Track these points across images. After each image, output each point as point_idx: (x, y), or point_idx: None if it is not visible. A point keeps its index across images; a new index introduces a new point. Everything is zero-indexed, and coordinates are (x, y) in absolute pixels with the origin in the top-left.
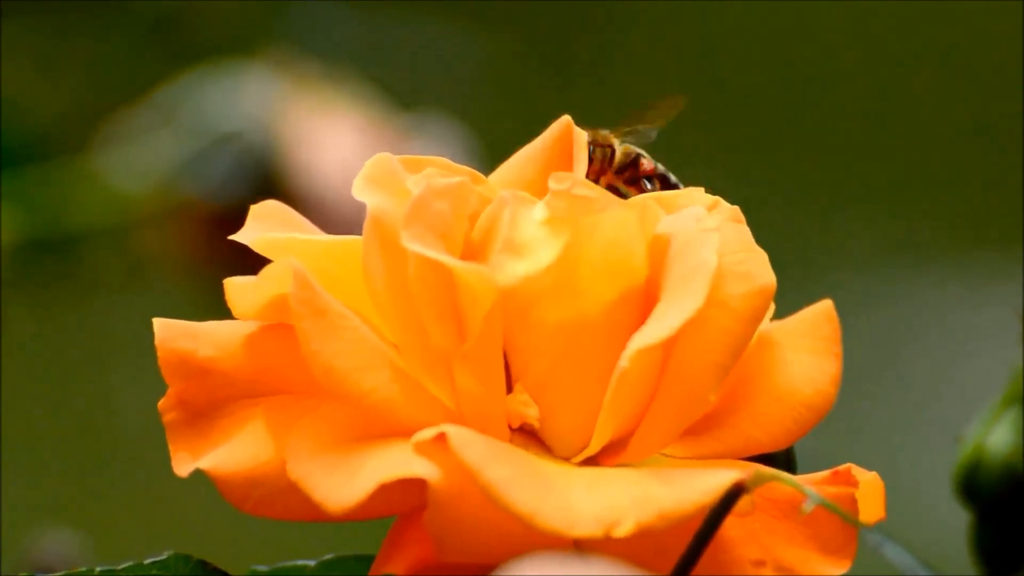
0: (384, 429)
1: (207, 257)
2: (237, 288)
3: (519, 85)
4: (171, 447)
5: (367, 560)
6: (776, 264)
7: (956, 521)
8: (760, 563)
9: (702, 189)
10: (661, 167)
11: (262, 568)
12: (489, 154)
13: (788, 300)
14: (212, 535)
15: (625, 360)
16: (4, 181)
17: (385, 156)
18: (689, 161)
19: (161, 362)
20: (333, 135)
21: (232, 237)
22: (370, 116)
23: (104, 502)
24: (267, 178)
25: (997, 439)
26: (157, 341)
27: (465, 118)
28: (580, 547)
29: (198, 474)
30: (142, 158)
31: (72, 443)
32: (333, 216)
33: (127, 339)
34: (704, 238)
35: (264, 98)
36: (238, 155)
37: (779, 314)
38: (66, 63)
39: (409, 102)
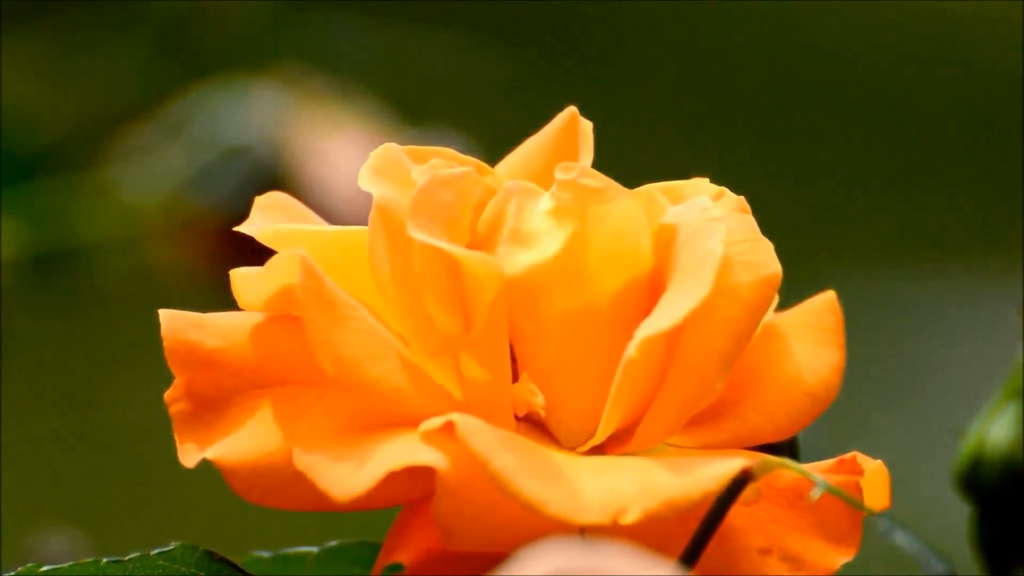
0: (391, 418)
1: (216, 269)
2: (244, 279)
3: (525, 99)
4: (177, 438)
5: (370, 547)
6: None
7: (956, 516)
8: (766, 551)
9: (707, 179)
10: None
11: (264, 554)
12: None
13: (789, 300)
14: (214, 538)
15: (632, 349)
16: (14, 194)
17: (391, 146)
18: (691, 160)
19: (167, 352)
20: (341, 149)
21: (238, 228)
22: (377, 130)
23: (106, 504)
24: (275, 191)
25: (998, 433)
26: (163, 331)
27: (471, 132)
28: (587, 535)
29: (201, 477)
30: (152, 171)
31: (76, 450)
32: None
33: (136, 350)
34: (710, 227)
35: (273, 112)
36: (247, 168)
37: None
38: (76, 77)
39: (416, 116)
